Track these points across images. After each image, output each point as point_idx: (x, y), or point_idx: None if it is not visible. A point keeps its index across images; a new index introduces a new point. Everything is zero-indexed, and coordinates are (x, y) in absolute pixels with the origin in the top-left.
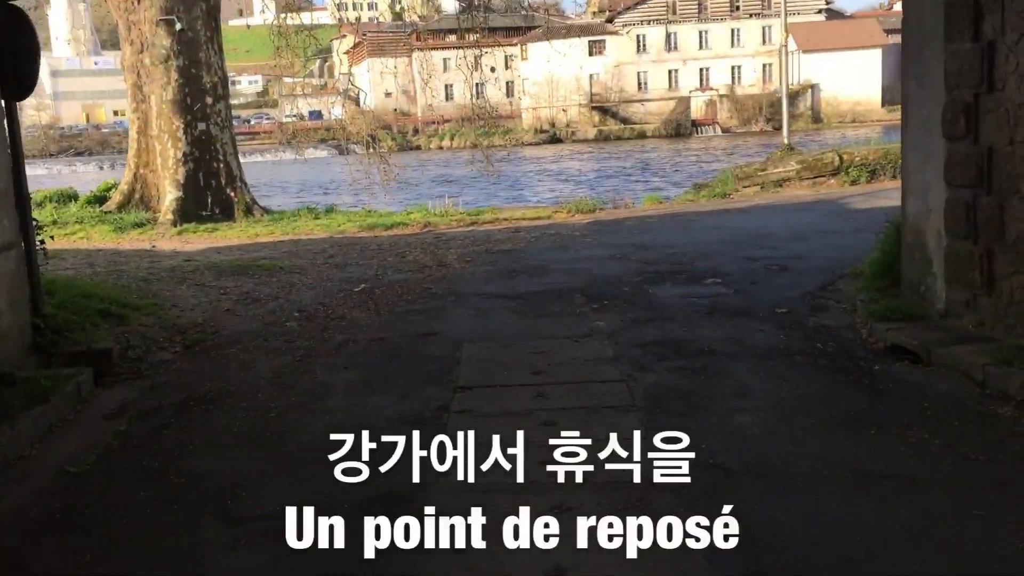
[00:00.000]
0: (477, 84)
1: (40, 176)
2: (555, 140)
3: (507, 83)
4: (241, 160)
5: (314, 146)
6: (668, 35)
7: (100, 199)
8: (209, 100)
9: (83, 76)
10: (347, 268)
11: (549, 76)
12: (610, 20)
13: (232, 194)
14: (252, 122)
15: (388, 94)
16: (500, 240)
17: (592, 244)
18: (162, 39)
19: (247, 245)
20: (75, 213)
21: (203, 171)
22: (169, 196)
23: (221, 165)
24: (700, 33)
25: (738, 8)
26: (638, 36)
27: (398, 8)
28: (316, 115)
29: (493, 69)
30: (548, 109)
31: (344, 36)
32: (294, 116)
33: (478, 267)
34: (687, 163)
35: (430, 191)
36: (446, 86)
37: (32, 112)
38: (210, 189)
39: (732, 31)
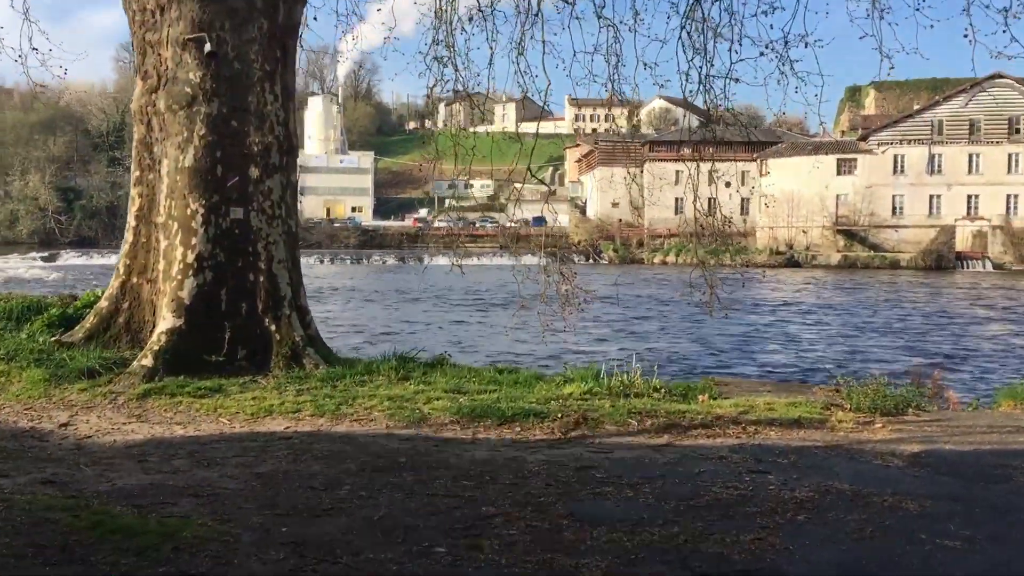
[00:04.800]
0: (710, 199)
1: None
2: (793, 263)
3: (743, 199)
4: (459, 262)
5: (532, 252)
6: (931, 156)
7: (71, 319)
8: (255, 172)
9: (328, 173)
10: None
11: (789, 194)
12: (863, 138)
13: (273, 327)
14: (477, 225)
15: (615, 204)
16: (722, 506)
17: (975, 562)
18: (188, 70)
19: (220, 439)
20: (16, 343)
21: (228, 287)
22: (161, 326)
23: (261, 278)
24: (970, 156)
25: (1018, 131)
26: (895, 156)
27: (635, 120)
28: (540, 221)
29: (728, 184)
30: (786, 229)
31: (578, 145)
32: (519, 221)
33: None
34: (984, 311)
35: (625, 325)
36: (676, 199)
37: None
38: (236, 317)
39: (1009, 156)
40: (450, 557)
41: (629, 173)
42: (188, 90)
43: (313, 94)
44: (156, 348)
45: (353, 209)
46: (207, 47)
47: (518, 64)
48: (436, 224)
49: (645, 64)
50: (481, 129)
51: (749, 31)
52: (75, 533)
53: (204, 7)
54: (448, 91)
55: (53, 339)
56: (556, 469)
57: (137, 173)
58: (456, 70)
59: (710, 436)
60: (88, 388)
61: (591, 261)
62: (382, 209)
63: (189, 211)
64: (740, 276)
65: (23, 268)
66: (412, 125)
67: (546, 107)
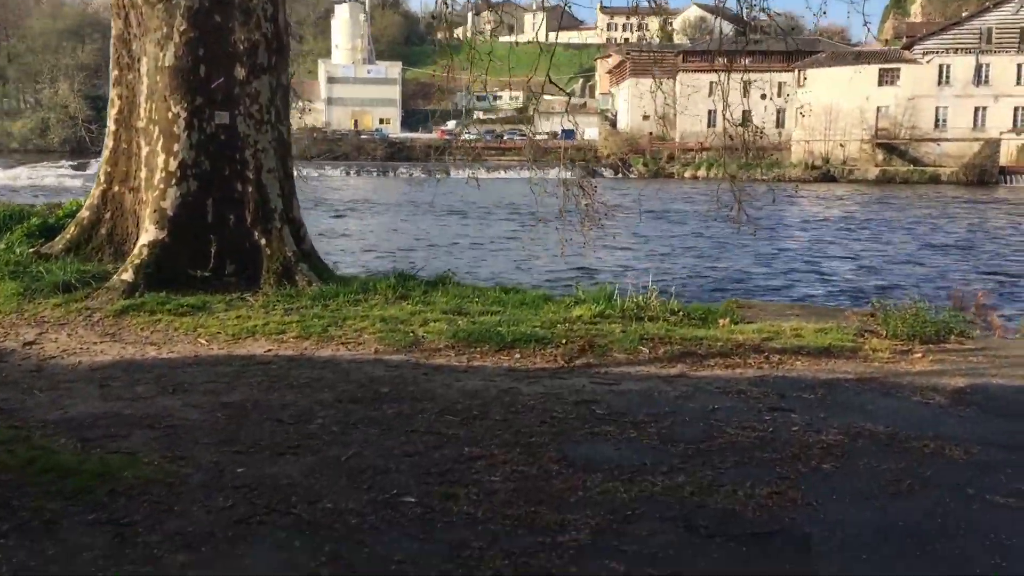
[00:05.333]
0: (743, 111)
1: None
2: (828, 178)
3: (778, 111)
4: (482, 176)
5: (560, 165)
6: (978, 67)
7: (52, 229)
8: (240, 72)
9: (355, 84)
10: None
11: (828, 106)
12: (908, 47)
13: (263, 241)
14: (505, 137)
15: (646, 116)
16: (736, 451)
17: None
18: None
19: (194, 363)
20: None
21: (214, 196)
22: (143, 238)
23: (250, 189)
24: (1019, 66)
25: None
26: (940, 66)
27: (668, 29)
28: (569, 134)
29: (764, 96)
30: (823, 143)
31: (609, 56)
32: (546, 134)
33: None
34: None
35: (652, 243)
36: (709, 111)
37: (296, 115)
38: (223, 229)
39: None
40: (419, 509)
41: (656, 82)
42: None
43: (339, 1)
44: (137, 262)
45: (381, 121)
46: None
47: None
48: (463, 137)
49: None
50: (508, 39)
51: None
52: (5, 471)
53: None
54: None
55: (31, 250)
56: (553, 403)
57: (116, 73)
58: None
59: (729, 366)
60: (63, 304)
61: (620, 175)
62: (410, 120)
63: (170, 115)
64: (772, 190)
65: (51, 176)
66: (440, 35)
67: (567, 8)
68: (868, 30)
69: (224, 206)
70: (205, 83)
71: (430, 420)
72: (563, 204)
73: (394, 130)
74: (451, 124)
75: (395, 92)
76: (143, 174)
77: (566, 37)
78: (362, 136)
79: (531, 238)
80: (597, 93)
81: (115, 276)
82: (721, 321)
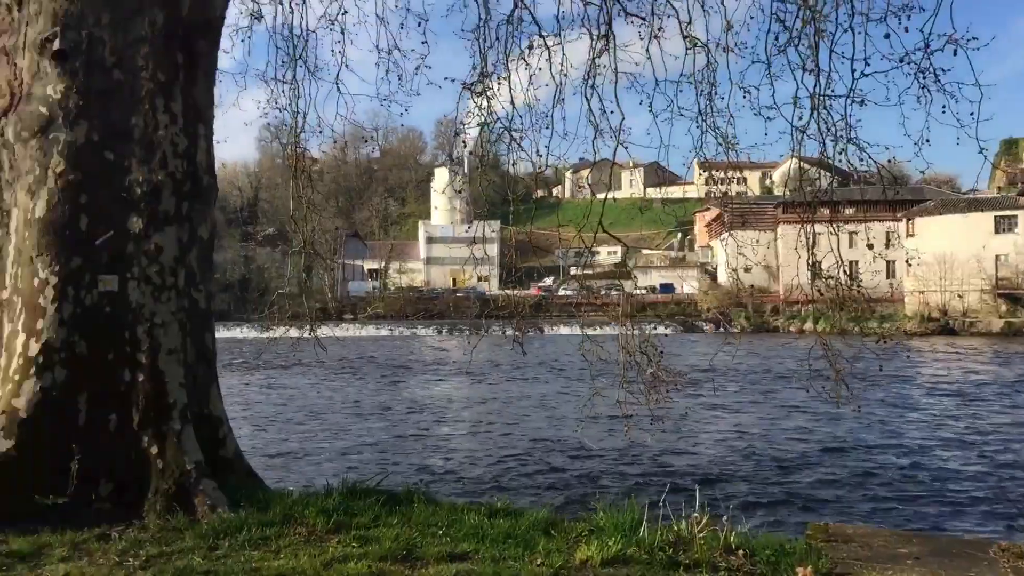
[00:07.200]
0: (849, 263)
1: (361, 340)
2: (948, 331)
3: (888, 262)
4: (577, 332)
5: (658, 322)
6: None
7: None
8: (136, 223)
9: (453, 243)
10: None
11: (941, 255)
12: (1023, 193)
13: (154, 449)
14: (603, 292)
15: (747, 269)
16: None
17: None
18: (46, 83)
19: None
20: None
21: (90, 390)
22: None
23: (140, 378)
24: None
25: None
26: None
27: (768, 183)
28: (668, 288)
29: (871, 246)
30: (938, 293)
31: (708, 209)
32: (644, 289)
33: None
34: None
35: (737, 414)
36: (814, 263)
37: (394, 275)
38: (98, 435)
39: None
40: None
41: (737, 239)
42: (43, 110)
43: (439, 165)
44: None
45: (479, 279)
46: (55, 44)
47: (588, 100)
48: (560, 292)
49: (743, 89)
50: (603, 196)
51: (877, 44)
52: None
53: None
54: (497, 131)
55: None
56: None
57: None
58: (488, 100)
59: None
60: None
61: (721, 329)
62: (509, 278)
63: (37, 282)
64: (878, 356)
65: None
66: (540, 193)
67: (623, 145)
68: (985, 158)
69: (103, 403)
70: (86, 239)
71: None
72: (623, 373)
73: (493, 287)
74: (548, 281)
75: (493, 250)
76: (2, 362)
77: (664, 192)
78: (457, 294)
79: (585, 416)
80: (696, 247)
81: None
82: (800, 571)
